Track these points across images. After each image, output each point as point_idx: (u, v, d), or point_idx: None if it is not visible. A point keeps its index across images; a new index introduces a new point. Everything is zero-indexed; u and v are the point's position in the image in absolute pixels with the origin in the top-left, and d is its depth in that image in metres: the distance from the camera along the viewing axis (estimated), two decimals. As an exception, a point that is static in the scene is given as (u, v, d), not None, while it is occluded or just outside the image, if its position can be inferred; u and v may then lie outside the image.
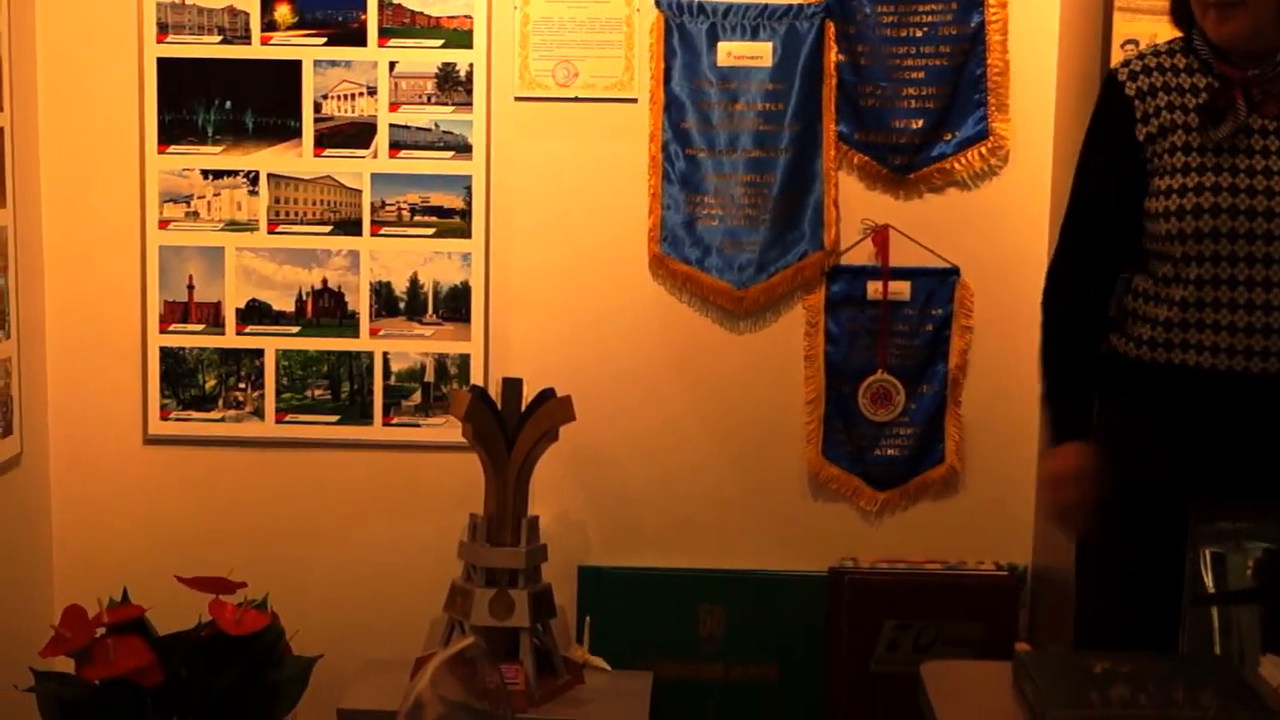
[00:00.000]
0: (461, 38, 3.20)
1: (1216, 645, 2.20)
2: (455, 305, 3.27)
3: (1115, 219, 2.37)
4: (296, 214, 3.26)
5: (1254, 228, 2.25)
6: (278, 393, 3.30)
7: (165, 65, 3.22)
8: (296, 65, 3.22)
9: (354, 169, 3.25)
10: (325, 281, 3.27)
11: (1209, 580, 2.23)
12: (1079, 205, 2.45)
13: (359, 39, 3.21)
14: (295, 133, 3.24)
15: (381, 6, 3.19)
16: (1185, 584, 2.19)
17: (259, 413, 3.30)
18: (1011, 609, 3.17)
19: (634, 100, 3.22)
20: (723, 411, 3.30)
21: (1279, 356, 2.27)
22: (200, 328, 3.29)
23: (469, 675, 1.79)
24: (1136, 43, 3.04)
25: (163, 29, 3.21)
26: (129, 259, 3.28)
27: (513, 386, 3.10)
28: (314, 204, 3.26)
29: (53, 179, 3.26)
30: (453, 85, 3.22)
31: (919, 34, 3.19)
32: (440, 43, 3.21)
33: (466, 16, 3.19)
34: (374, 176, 3.25)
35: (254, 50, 3.22)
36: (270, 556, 3.27)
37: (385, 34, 3.21)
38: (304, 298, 3.28)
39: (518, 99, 3.23)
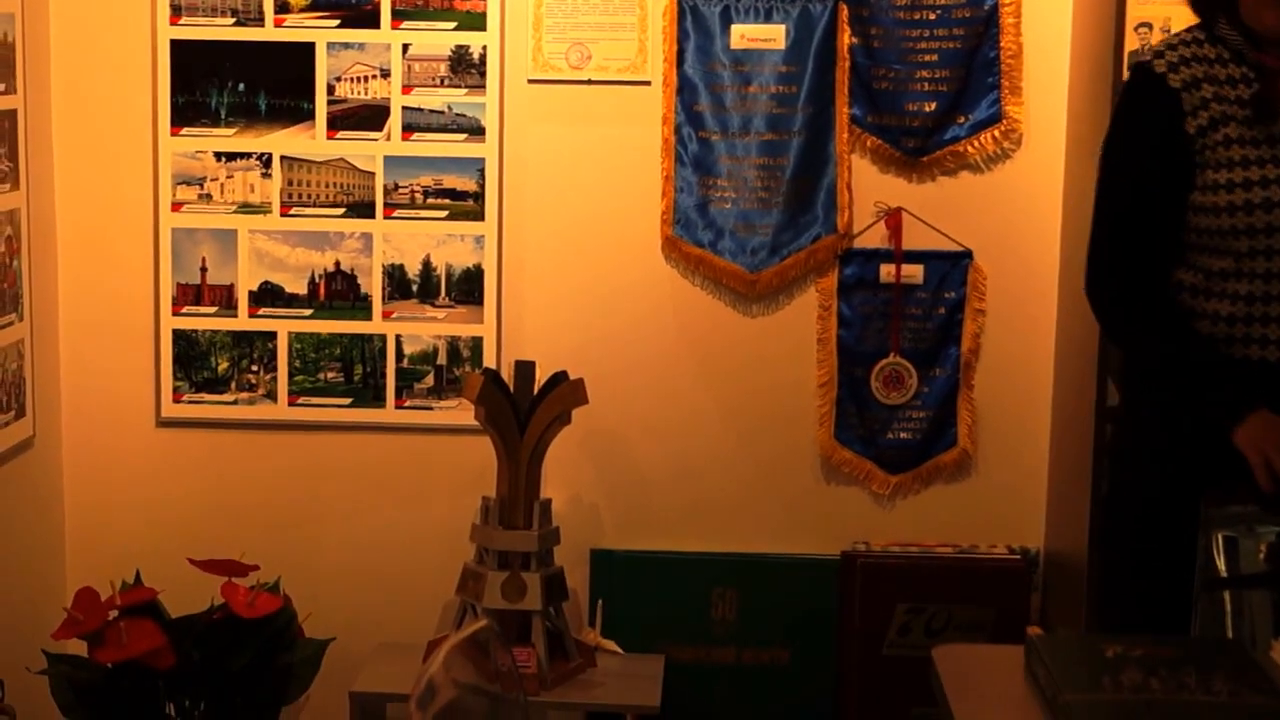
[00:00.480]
0: (475, 20, 3.20)
1: (1229, 629, 2.19)
2: (468, 288, 3.26)
3: (1165, 213, 2.31)
4: (309, 196, 3.26)
5: None
6: (290, 375, 3.30)
7: (179, 47, 3.22)
8: (310, 47, 3.21)
9: (367, 151, 3.24)
10: (338, 264, 3.27)
11: (1221, 564, 2.23)
12: (1119, 197, 2.37)
13: (372, 21, 3.20)
14: (308, 115, 3.23)
15: (395, -12, 3.20)
16: (1197, 568, 2.19)
17: (271, 395, 3.30)
18: (1023, 593, 3.17)
19: (647, 83, 3.21)
20: (735, 394, 3.29)
21: None
22: (213, 310, 3.29)
23: (481, 658, 1.79)
24: (1150, 26, 3.04)
25: (176, 11, 3.20)
26: (142, 241, 3.27)
27: (525, 369, 3.09)
28: (327, 186, 3.25)
29: (66, 161, 3.25)
30: (466, 68, 3.21)
31: (932, 16, 3.18)
32: (453, 25, 3.20)
33: (479, -1, 3.19)
34: (387, 159, 3.24)
35: (267, 32, 3.21)
36: (283, 539, 3.27)
37: (398, 16, 3.20)
38: (317, 280, 3.28)
39: (531, 81, 3.22)
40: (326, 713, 3.18)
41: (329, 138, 3.24)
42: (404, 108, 3.22)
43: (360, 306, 3.28)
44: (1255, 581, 2.20)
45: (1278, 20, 2.20)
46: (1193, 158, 2.27)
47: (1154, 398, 2.40)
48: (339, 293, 3.27)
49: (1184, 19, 3.06)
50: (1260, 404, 2.22)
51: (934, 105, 3.20)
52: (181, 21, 3.21)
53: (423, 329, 3.28)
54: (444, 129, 3.23)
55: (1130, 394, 2.49)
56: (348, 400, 3.30)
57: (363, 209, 3.25)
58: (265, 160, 3.25)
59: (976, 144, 3.20)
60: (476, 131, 3.22)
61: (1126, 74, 2.61)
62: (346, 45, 3.21)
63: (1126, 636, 2.27)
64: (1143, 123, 2.34)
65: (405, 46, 3.21)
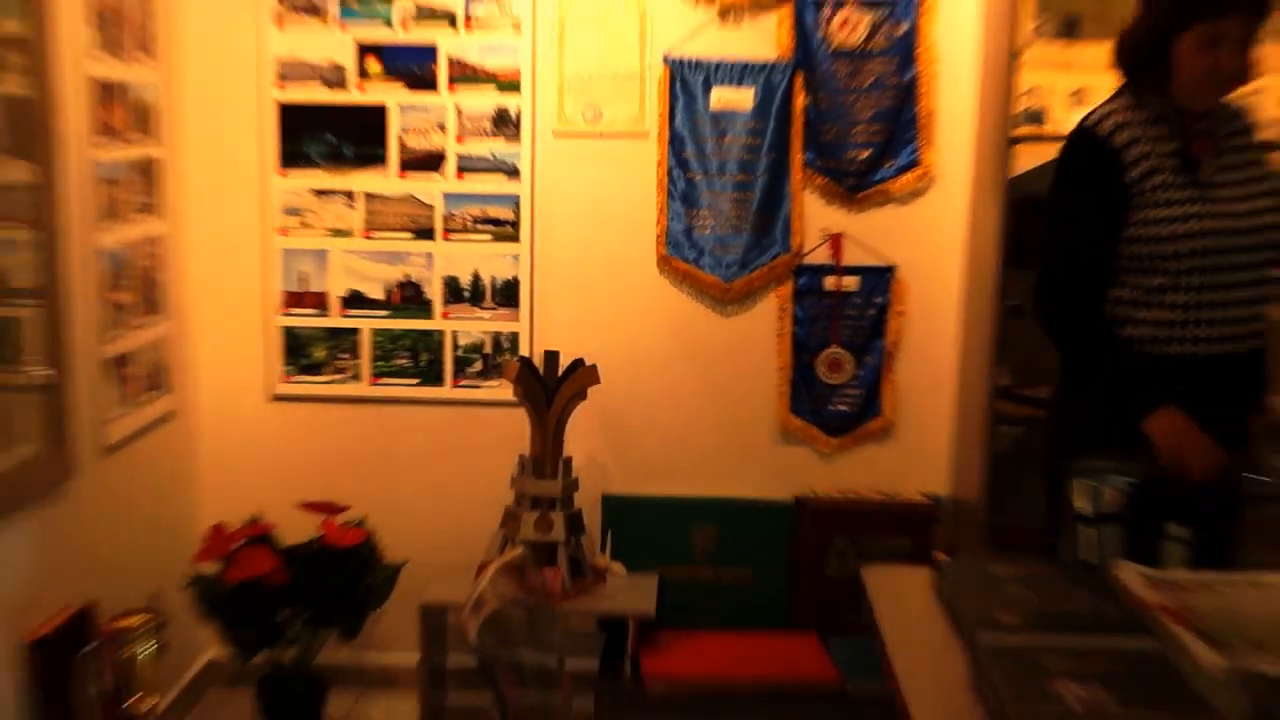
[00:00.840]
0: (512, 86, 3.20)
1: (1089, 556, 2.22)
2: (507, 294, 3.27)
3: (1104, 245, 2.31)
4: (384, 223, 3.26)
5: (1233, 243, 2.25)
6: (371, 361, 3.31)
7: (284, 108, 3.22)
8: (384, 108, 3.22)
9: (429, 188, 3.25)
10: (407, 276, 3.28)
11: (1085, 505, 2.25)
12: (1070, 232, 2.34)
13: (432, 86, 3.20)
14: (383, 160, 3.24)
15: (450, 61, 3.19)
16: (1064, 508, 2.20)
17: (357, 376, 3.32)
18: (931, 527, 3.20)
19: (645, 135, 3.22)
20: (713, 376, 3.31)
21: (1253, 337, 2.31)
22: (311, 311, 3.30)
23: (519, 577, 1.82)
24: (1033, 92, 3.03)
25: (282, 79, 3.21)
26: (255, 258, 3.28)
27: (552, 357, 3.11)
28: (398, 215, 3.26)
29: (196, 197, 3.26)
30: (505, 124, 3.22)
31: (867, 84, 3.18)
32: (495, 90, 3.20)
33: (515, 69, 3.19)
34: (445, 195, 3.25)
35: (351, 96, 3.21)
36: (367, 487, 3.29)
37: (453, 82, 3.20)
38: (391, 288, 3.29)
39: (556, 134, 3.23)
40: (401, 619, 3.18)
41: (399, 177, 3.24)
42: (457, 154, 3.23)
43: (424, 309, 3.29)
44: (1109, 519, 2.23)
45: (1216, 95, 2.25)
46: (1130, 200, 2.27)
47: (1086, 392, 2.39)
48: (408, 298, 3.28)
49: (1059, 88, 3.09)
50: (1169, 402, 2.24)
51: (868, 153, 3.20)
52: (286, 88, 3.21)
53: (472, 326, 3.29)
54: (488, 171, 3.23)
55: (1065, 387, 2.48)
56: (415, 380, 3.31)
57: (426, 233, 3.26)
58: (350, 195, 3.25)
59: (899, 183, 3.21)
60: (513, 173, 3.23)
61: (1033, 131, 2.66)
62: (413, 106, 3.21)
63: (1009, 559, 2.30)
64: (1088, 174, 2.32)
65: (458, 106, 3.21)
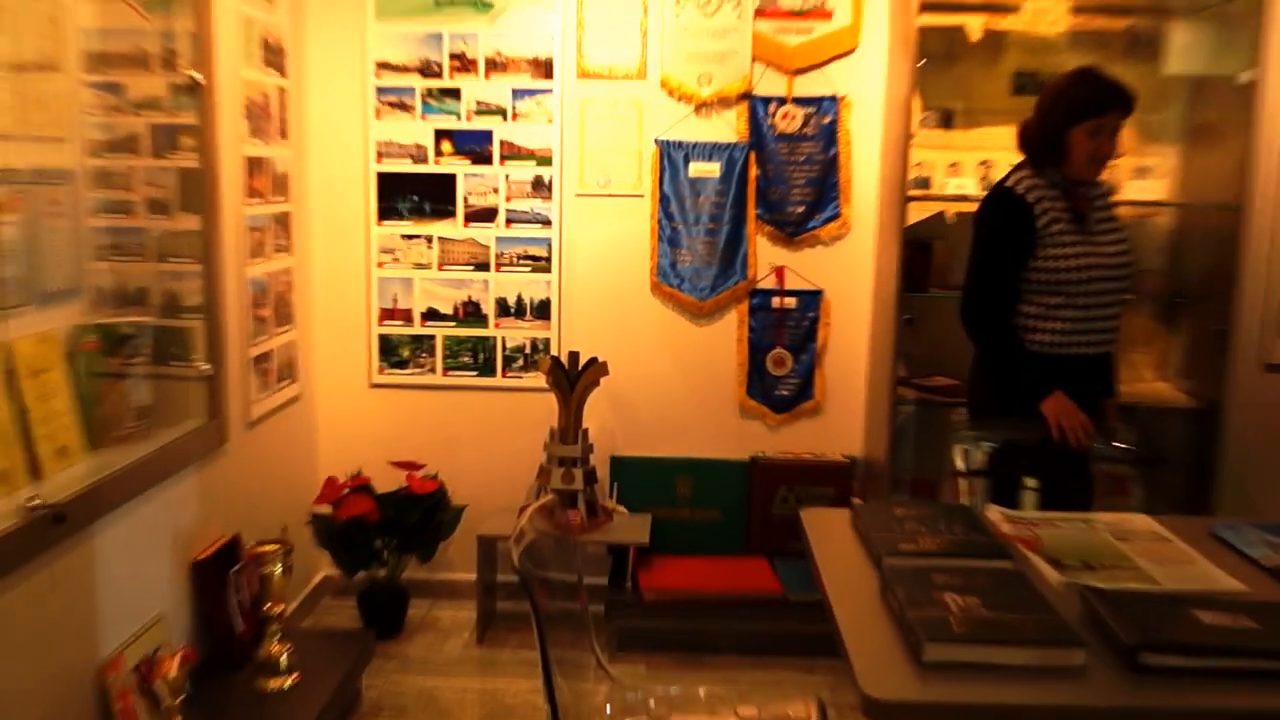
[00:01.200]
0: (546, 161, 3.18)
1: (963, 499, 2.21)
2: (542, 310, 3.25)
3: (1015, 271, 2.31)
4: (453, 259, 3.24)
5: (1107, 274, 2.29)
6: (443, 359, 3.28)
7: (381, 176, 3.21)
8: (454, 176, 3.20)
9: (486, 234, 3.23)
10: (470, 297, 3.25)
11: (961, 463, 2.24)
12: (992, 263, 2.33)
13: (489, 160, 3.19)
14: (453, 214, 3.22)
15: (501, 142, 3.17)
16: (946, 464, 2.19)
17: (433, 370, 3.29)
18: (850, 480, 3.18)
19: (642, 196, 3.20)
20: (690, 369, 3.28)
21: (1113, 342, 2.35)
22: (400, 323, 3.27)
23: (549, 515, 1.79)
24: (922, 164, 3.04)
25: (380, 155, 3.20)
26: (360, 284, 3.27)
27: (574, 356, 3.09)
28: (464, 253, 3.24)
29: (319, 240, 3.25)
30: (541, 187, 3.20)
31: (801, 159, 3.17)
32: (534, 163, 3.19)
33: (549, 149, 3.17)
34: (497, 238, 3.23)
35: (430, 167, 3.20)
36: (440, 450, 3.27)
37: (504, 158, 3.19)
38: (458, 306, 3.26)
39: (577, 195, 3.21)
40: (464, 546, 3.18)
41: (465, 226, 3.22)
42: (506, 209, 3.21)
43: (482, 321, 3.26)
44: (978, 474, 2.22)
45: (1092, 172, 2.29)
46: (1037, 242, 2.28)
47: (993, 380, 2.39)
48: (470, 313, 3.26)
49: (940, 162, 3.10)
50: (1058, 388, 2.26)
51: (802, 209, 3.19)
52: (383, 161, 3.20)
53: (517, 333, 3.26)
54: (529, 222, 3.21)
55: (976, 376, 2.46)
56: (475, 373, 3.28)
57: (483, 266, 3.24)
58: (429, 239, 3.23)
59: (826, 230, 3.20)
60: (547, 223, 3.21)
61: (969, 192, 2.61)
62: (474, 174, 3.20)
63: (905, 503, 2.29)
64: (1007, 222, 2.32)
65: (507, 175, 3.20)
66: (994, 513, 1.88)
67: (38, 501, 1.79)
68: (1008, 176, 2.38)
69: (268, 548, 2.39)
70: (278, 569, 2.38)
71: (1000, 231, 2.33)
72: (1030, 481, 2.24)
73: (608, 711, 1.86)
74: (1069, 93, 2.27)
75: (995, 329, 2.35)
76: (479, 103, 3.16)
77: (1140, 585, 1.56)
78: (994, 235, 2.35)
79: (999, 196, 2.36)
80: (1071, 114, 2.25)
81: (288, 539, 2.48)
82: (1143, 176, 3.05)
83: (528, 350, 3.27)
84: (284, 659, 2.38)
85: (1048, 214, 2.28)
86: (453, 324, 3.27)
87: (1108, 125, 2.24)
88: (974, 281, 2.37)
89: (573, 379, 3.05)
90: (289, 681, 2.37)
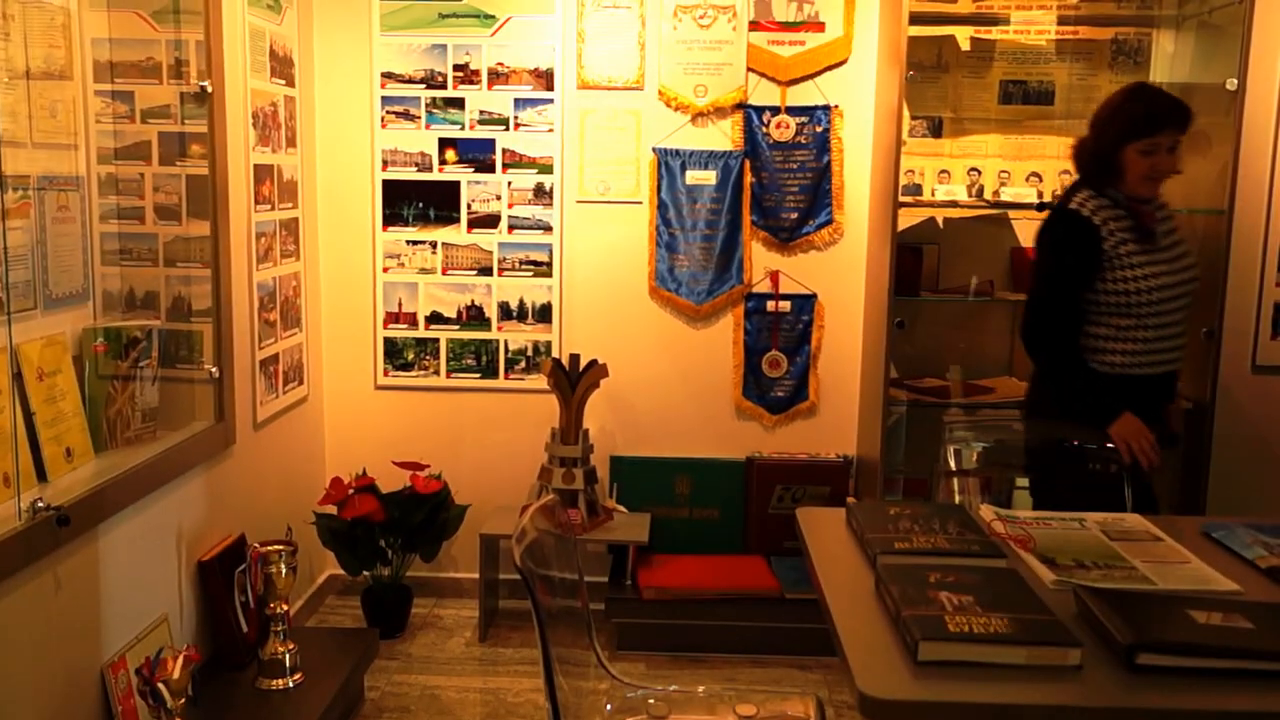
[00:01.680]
0: (547, 168, 3.15)
1: (955, 500, 2.18)
2: (543, 314, 3.22)
3: (1082, 294, 2.24)
4: (457, 264, 3.21)
5: (1175, 292, 2.22)
6: (447, 361, 3.25)
7: (386, 183, 3.18)
8: (458, 183, 3.17)
9: (489, 240, 3.19)
10: (473, 301, 3.22)
11: (952, 463, 2.21)
12: (1057, 287, 2.25)
13: (492, 168, 3.16)
14: (457, 220, 3.19)
15: (504, 151, 3.14)
16: (939, 464, 2.17)
17: (437, 372, 3.25)
18: (845, 479, 3.14)
19: (640, 202, 3.17)
20: (688, 371, 3.24)
21: (1178, 360, 2.28)
22: (405, 326, 3.24)
23: (550, 514, 1.76)
24: (914, 171, 3.02)
25: (385, 163, 3.17)
26: (366, 288, 3.23)
27: (574, 358, 3.06)
28: (467, 259, 3.21)
29: (326, 244, 3.21)
30: (542, 194, 3.17)
31: (794, 166, 3.14)
32: (535, 171, 3.16)
33: (550, 157, 3.14)
34: (500, 243, 3.20)
35: (434, 175, 3.17)
36: (444, 450, 3.23)
37: (506, 166, 3.15)
38: (461, 310, 3.23)
39: (577, 201, 3.18)
40: (467, 545, 3.15)
41: (468, 232, 3.19)
42: (509, 216, 3.18)
43: (485, 324, 3.23)
44: (970, 473, 2.18)
45: (1149, 190, 2.21)
46: (1103, 262, 2.20)
47: (1055, 399, 2.31)
48: (473, 316, 3.22)
49: (929, 169, 3.07)
50: (1125, 409, 2.19)
51: (796, 215, 3.16)
52: (388, 169, 3.17)
53: (519, 337, 3.23)
54: (531, 227, 3.18)
55: (1035, 393, 2.40)
56: (478, 375, 3.25)
57: (486, 271, 3.20)
58: (433, 245, 3.20)
59: (819, 236, 3.16)
60: (548, 229, 3.18)
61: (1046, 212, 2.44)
62: (478, 181, 3.16)
63: (900, 502, 2.25)
64: (1073, 244, 2.24)
65: (509, 182, 3.16)
66: (987, 512, 1.85)
67: (43, 504, 1.75)
68: (1069, 197, 2.28)
69: (273, 547, 2.35)
70: (283, 569, 2.34)
71: (1066, 255, 2.24)
72: (1022, 481, 2.21)
73: (608, 710, 1.82)
74: (1122, 111, 2.19)
75: (1059, 352, 2.27)
76: (482, 112, 3.13)
77: (1135, 585, 1.53)
78: (1059, 259, 2.26)
79: (1064, 219, 2.26)
80: (1125, 133, 2.17)
81: (293, 539, 2.45)
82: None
83: (529, 353, 3.23)
84: (288, 658, 2.34)
85: (1114, 235, 2.20)
86: (456, 327, 3.23)
87: (1163, 143, 2.17)
88: (1038, 304, 2.28)
89: (573, 381, 3.01)
90: (293, 681, 2.33)
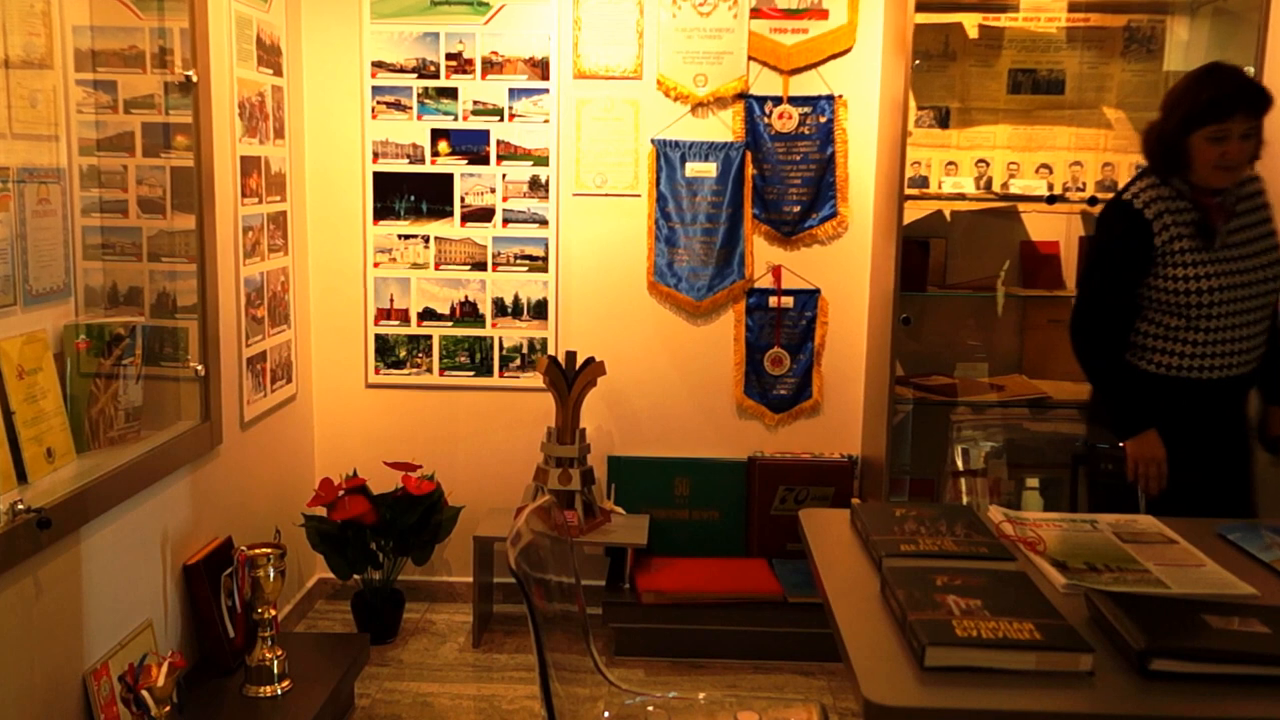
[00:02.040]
0: (542, 160, 3.14)
1: (964, 499, 2.17)
2: (539, 310, 3.21)
3: (1132, 291, 2.17)
4: (450, 259, 3.20)
5: (1241, 293, 2.12)
6: (440, 359, 3.24)
7: (377, 176, 3.17)
8: (451, 175, 3.16)
9: (483, 234, 3.18)
10: (466, 297, 3.21)
11: (960, 463, 2.20)
12: (1103, 282, 2.19)
13: (486, 161, 3.15)
14: (450, 213, 3.18)
15: (498, 142, 3.13)
16: (946, 464, 2.15)
17: (430, 370, 3.24)
18: (849, 479, 3.13)
19: (638, 195, 3.16)
20: (688, 369, 3.24)
21: (1247, 365, 2.17)
22: (397, 323, 3.23)
23: (546, 516, 1.75)
24: (920, 163, 3.01)
25: (376, 154, 3.16)
26: (357, 284, 3.22)
27: (571, 355, 3.05)
28: (461, 253, 3.19)
29: (315, 239, 3.20)
30: (537, 187, 3.16)
31: (797, 158, 3.13)
32: (531, 163, 3.15)
33: (545, 148, 3.13)
34: (494, 238, 3.18)
35: (426, 167, 3.16)
36: (437, 450, 3.23)
37: (500, 158, 3.14)
38: (454, 306, 3.22)
39: (574, 195, 3.17)
40: (461, 548, 3.15)
41: (461, 226, 3.18)
42: (503, 209, 3.17)
43: (479, 321, 3.22)
44: (978, 473, 2.18)
45: (1221, 179, 2.09)
46: (1155, 259, 2.13)
47: (1105, 403, 2.28)
48: (467, 313, 3.22)
49: (936, 161, 3.06)
50: (1151, 426, 2.13)
51: (799, 208, 3.15)
52: (379, 161, 3.16)
53: (514, 333, 3.22)
54: (526, 221, 3.17)
55: (1094, 398, 2.37)
56: (472, 372, 3.24)
57: (480, 266, 3.19)
58: (426, 239, 3.19)
59: (823, 230, 3.15)
60: (544, 223, 3.17)
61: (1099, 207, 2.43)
62: (471, 174, 3.15)
63: (905, 503, 2.24)
64: (1120, 237, 2.17)
65: (504, 175, 3.15)
66: (996, 513, 1.84)
67: (23, 506, 1.74)
68: (1129, 185, 2.20)
69: (261, 550, 2.34)
70: (271, 572, 2.33)
71: (1114, 248, 2.17)
72: (1032, 481, 2.20)
73: (606, 717, 1.82)
74: (1188, 94, 2.07)
75: (1100, 349, 2.20)
76: (475, 102, 3.12)
77: (1148, 589, 1.52)
78: (1107, 252, 2.19)
79: (1116, 210, 2.18)
80: (1191, 118, 2.05)
81: (281, 542, 2.44)
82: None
83: (525, 350, 3.22)
84: (276, 665, 2.32)
85: (1169, 230, 2.10)
86: (449, 324, 3.22)
87: (1234, 130, 2.03)
88: (1083, 298, 2.22)
89: (570, 379, 3.01)
90: (281, 688, 2.32)
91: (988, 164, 3.02)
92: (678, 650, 2.92)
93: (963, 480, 2.19)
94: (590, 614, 1.93)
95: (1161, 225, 2.12)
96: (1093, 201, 2.88)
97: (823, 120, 3.10)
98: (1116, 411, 2.18)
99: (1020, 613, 1.36)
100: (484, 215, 3.17)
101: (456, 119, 3.12)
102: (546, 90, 3.10)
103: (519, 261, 3.19)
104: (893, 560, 1.58)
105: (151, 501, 2.23)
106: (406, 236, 3.19)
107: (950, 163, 3.03)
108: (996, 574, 1.51)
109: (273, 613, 2.35)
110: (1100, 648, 1.33)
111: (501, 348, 3.23)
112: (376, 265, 3.20)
